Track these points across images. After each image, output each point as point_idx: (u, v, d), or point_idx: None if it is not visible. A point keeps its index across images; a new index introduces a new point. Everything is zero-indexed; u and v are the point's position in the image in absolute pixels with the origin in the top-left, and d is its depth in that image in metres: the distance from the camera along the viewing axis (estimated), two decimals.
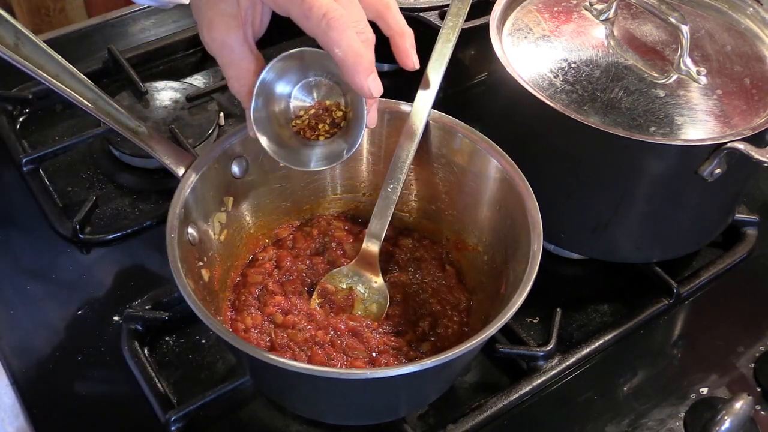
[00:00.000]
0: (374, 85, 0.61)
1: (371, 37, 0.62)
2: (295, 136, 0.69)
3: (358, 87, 0.60)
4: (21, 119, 1.00)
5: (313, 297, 0.75)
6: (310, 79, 0.68)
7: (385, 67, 1.02)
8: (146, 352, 0.76)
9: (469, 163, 0.75)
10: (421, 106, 0.75)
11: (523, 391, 0.74)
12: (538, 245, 0.66)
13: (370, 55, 0.60)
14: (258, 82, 0.65)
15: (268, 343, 0.71)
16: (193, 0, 0.64)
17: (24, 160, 0.91)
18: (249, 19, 0.63)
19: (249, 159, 0.75)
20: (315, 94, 0.68)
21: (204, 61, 1.09)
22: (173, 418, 0.70)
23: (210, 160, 0.71)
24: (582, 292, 0.85)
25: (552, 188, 0.78)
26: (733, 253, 0.87)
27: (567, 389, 0.76)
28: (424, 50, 0.78)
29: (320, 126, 0.69)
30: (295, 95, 0.68)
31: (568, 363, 0.77)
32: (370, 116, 0.67)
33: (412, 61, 0.68)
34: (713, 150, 0.72)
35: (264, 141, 0.67)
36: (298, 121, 0.69)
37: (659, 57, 0.80)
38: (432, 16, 0.98)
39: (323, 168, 0.70)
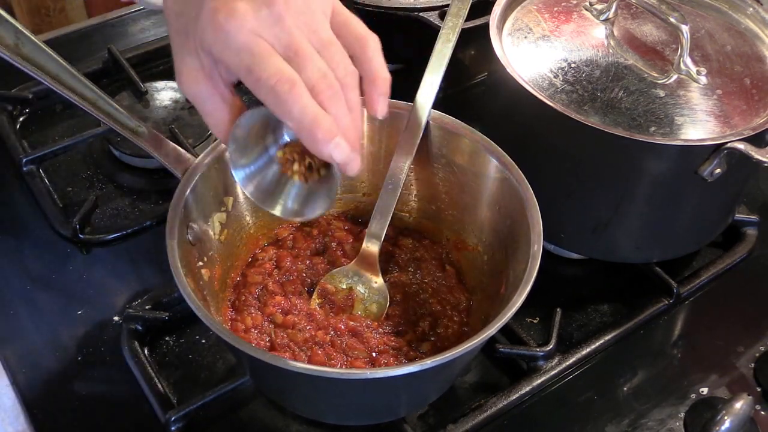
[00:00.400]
0: (337, 152, 0.55)
1: (349, 81, 0.57)
2: (284, 173, 0.67)
3: (320, 156, 0.56)
4: (21, 119, 1.00)
5: (313, 297, 0.75)
6: None
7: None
8: (146, 352, 0.76)
9: (469, 163, 0.75)
10: (421, 106, 0.75)
11: (523, 391, 0.74)
12: (538, 245, 0.66)
13: (328, 119, 0.55)
14: (233, 130, 0.62)
15: (268, 343, 0.71)
16: (173, 48, 0.62)
17: (24, 160, 0.91)
18: (215, 72, 0.59)
19: None
20: None
21: None
22: (173, 418, 0.70)
23: (210, 160, 0.71)
24: (582, 292, 0.85)
25: (552, 188, 0.78)
26: (733, 253, 0.87)
27: (567, 389, 0.76)
28: (424, 50, 0.78)
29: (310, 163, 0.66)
30: (287, 131, 0.65)
31: (568, 363, 0.77)
32: (351, 165, 0.59)
33: (375, 110, 0.61)
34: (713, 150, 0.72)
35: (244, 182, 0.65)
36: (280, 153, 0.66)
37: (659, 57, 0.80)
38: (432, 16, 0.98)
39: (299, 219, 0.68)
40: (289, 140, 0.65)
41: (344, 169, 0.58)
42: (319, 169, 0.65)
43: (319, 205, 0.65)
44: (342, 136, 0.56)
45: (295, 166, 0.66)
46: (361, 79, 0.60)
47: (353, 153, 0.57)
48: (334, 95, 0.56)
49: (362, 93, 0.60)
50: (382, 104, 0.61)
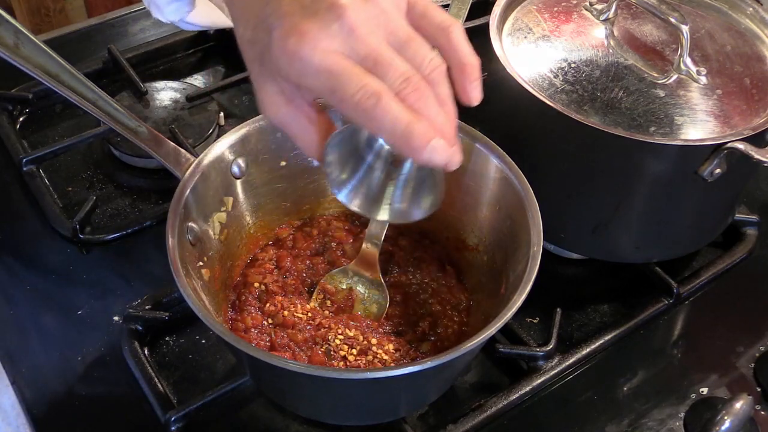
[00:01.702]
0: (436, 155, 0.53)
1: (436, 76, 0.55)
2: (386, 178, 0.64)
3: (420, 162, 0.54)
4: (21, 119, 1.00)
5: (313, 297, 0.75)
6: None
7: None
8: (146, 352, 0.76)
9: (469, 163, 0.75)
10: None
11: (523, 391, 0.74)
12: (538, 245, 0.66)
13: (421, 125, 0.52)
14: (326, 149, 0.60)
15: (268, 343, 0.71)
16: (251, 76, 0.60)
17: (24, 160, 0.91)
18: (297, 96, 0.58)
19: (249, 159, 0.75)
20: None
21: (204, 61, 1.09)
22: (173, 418, 0.70)
23: (210, 160, 0.71)
24: (582, 292, 0.85)
25: (552, 188, 0.78)
26: (733, 253, 0.87)
27: (567, 389, 0.76)
28: None
29: None
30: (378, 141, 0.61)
31: (568, 363, 0.77)
32: (452, 162, 0.55)
33: (469, 98, 0.58)
34: (713, 150, 0.72)
35: (348, 198, 0.63)
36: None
37: (659, 57, 0.80)
38: None
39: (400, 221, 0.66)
40: (385, 145, 0.62)
41: (447, 168, 0.56)
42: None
43: (425, 202, 0.63)
44: (438, 136, 0.53)
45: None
46: (449, 68, 0.58)
47: (452, 149, 0.55)
48: (422, 96, 0.54)
49: (452, 82, 0.58)
50: (475, 91, 0.58)
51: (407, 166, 0.61)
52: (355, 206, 0.63)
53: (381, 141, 0.61)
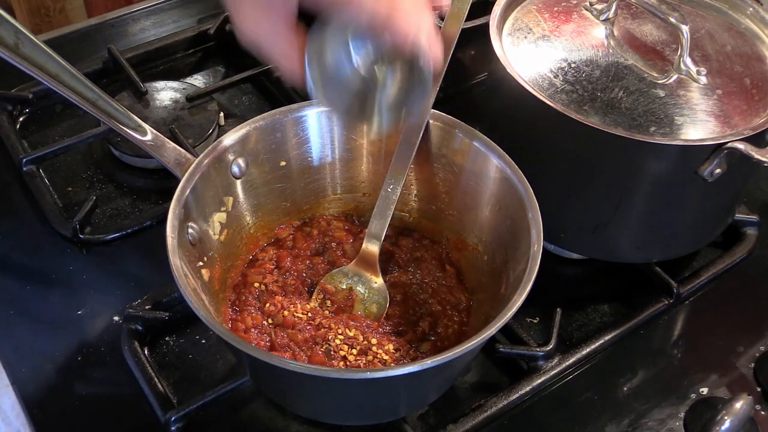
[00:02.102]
0: (421, 38, 0.55)
1: None
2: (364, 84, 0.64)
3: (405, 43, 0.55)
4: (21, 119, 1.00)
5: (313, 297, 0.75)
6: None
7: None
8: (146, 352, 0.76)
9: (469, 163, 0.75)
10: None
11: (523, 391, 0.74)
12: (538, 245, 0.66)
13: (403, 5, 0.54)
14: (306, 57, 0.61)
15: (268, 343, 0.71)
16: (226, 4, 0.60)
17: (24, 160, 0.91)
18: (272, 10, 0.59)
19: (249, 159, 0.75)
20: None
21: (204, 61, 1.09)
22: (173, 418, 0.70)
23: (210, 160, 0.71)
24: (582, 292, 0.85)
25: (552, 188, 0.78)
26: (733, 253, 0.87)
27: (567, 389, 0.76)
28: None
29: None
30: (355, 45, 0.62)
31: (568, 363, 0.77)
32: (436, 50, 0.58)
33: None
34: (713, 150, 0.72)
35: (332, 104, 0.64)
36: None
37: (659, 57, 0.80)
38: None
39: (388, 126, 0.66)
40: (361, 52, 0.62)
41: (433, 62, 0.57)
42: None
43: (415, 108, 0.64)
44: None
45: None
46: None
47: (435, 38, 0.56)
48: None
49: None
50: None
51: (392, 73, 0.62)
52: (344, 115, 0.65)
53: (359, 53, 0.61)
